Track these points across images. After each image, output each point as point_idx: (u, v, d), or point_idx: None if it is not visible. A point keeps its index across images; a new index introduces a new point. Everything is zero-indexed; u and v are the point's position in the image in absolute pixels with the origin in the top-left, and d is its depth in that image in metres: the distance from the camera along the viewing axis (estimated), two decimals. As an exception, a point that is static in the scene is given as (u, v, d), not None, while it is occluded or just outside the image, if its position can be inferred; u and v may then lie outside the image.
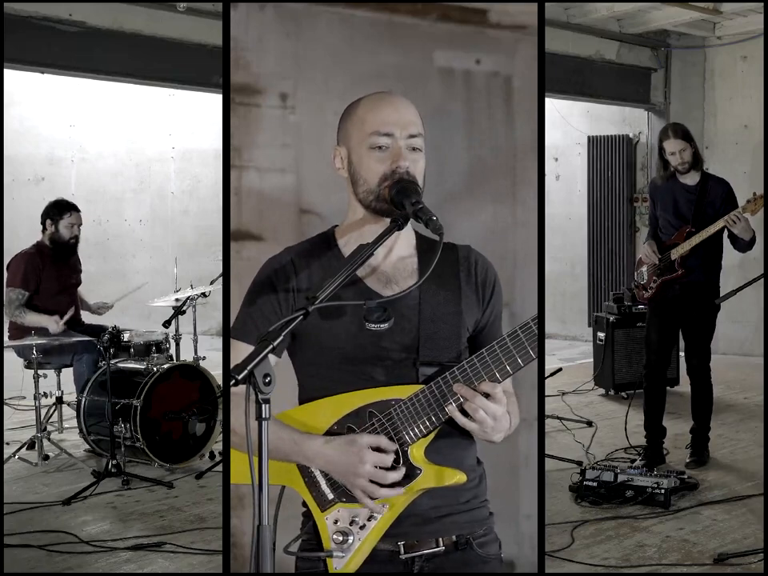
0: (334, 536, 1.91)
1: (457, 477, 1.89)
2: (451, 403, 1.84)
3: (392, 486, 1.87)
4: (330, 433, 1.94)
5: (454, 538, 1.97)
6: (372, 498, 1.87)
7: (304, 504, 2.00)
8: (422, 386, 1.89)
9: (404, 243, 2.04)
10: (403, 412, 1.88)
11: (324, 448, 1.91)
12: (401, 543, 1.93)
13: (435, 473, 1.89)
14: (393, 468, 1.88)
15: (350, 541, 1.90)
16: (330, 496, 1.94)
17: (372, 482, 1.86)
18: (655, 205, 4.86)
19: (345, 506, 1.93)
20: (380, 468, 1.87)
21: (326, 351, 1.95)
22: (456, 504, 1.97)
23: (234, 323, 2.03)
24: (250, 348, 1.72)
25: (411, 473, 1.89)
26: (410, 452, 1.89)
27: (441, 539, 1.95)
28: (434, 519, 1.95)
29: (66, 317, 5.23)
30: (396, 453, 1.89)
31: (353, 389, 1.93)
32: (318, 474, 1.95)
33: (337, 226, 2.09)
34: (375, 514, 1.90)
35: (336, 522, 1.93)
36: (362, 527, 1.90)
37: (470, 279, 2.06)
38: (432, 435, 1.89)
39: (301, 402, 2.02)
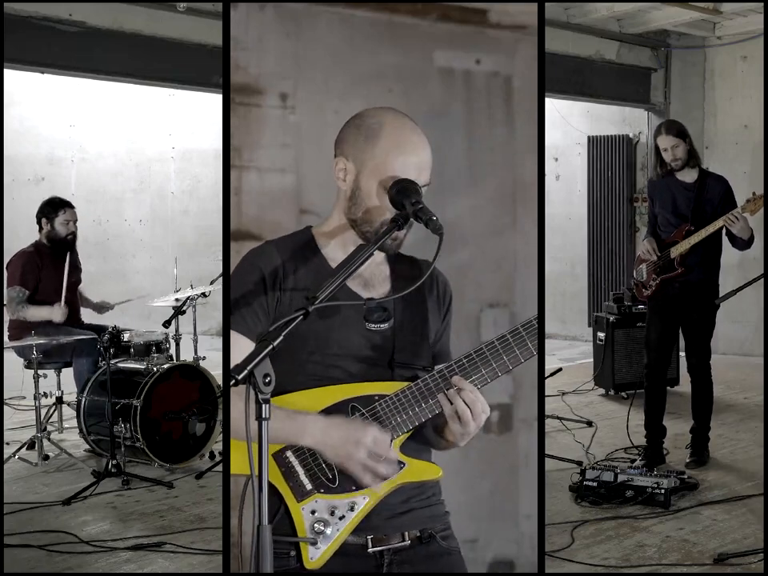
0: (315, 525, 1.93)
1: (439, 473, 2.00)
2: (444, 394, 1.89)
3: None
4: None
5: (417, 532, 2.02)
6: (372, 474, 1.90)
7: None
8: (408, 383, 1.94)
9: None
10: (389, 407, 1.93)
11: (322, 420, 1.92)
12: (369, 537, 1.97)
13: (418, 467, 1.97)
14: None
15: (329, 532, 1.92)
16: (309, 486, 1.95)
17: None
18: (654, 203, 4.86)
19: (323, 497, 1.94)
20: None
21: (299, 345, 1.96)
22: (421, 499, 2.04)
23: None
24: (241, 337, 1.87)
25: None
26: (393, 447, 1.94)
27: (406, 533, 2.01)
28: (400, 514, 1.99)
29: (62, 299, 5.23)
30: None
31: (325, 384, 1.96)
32: (296, 463, 1.96)
33: (311, 227, 2.09)
34: (355, 505, 1.93)
35: (313, 512, 1.94)
36: (342, 518, 1.93)
37: (431, 291, 2.14)
38: (408, 434, 1.95)
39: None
